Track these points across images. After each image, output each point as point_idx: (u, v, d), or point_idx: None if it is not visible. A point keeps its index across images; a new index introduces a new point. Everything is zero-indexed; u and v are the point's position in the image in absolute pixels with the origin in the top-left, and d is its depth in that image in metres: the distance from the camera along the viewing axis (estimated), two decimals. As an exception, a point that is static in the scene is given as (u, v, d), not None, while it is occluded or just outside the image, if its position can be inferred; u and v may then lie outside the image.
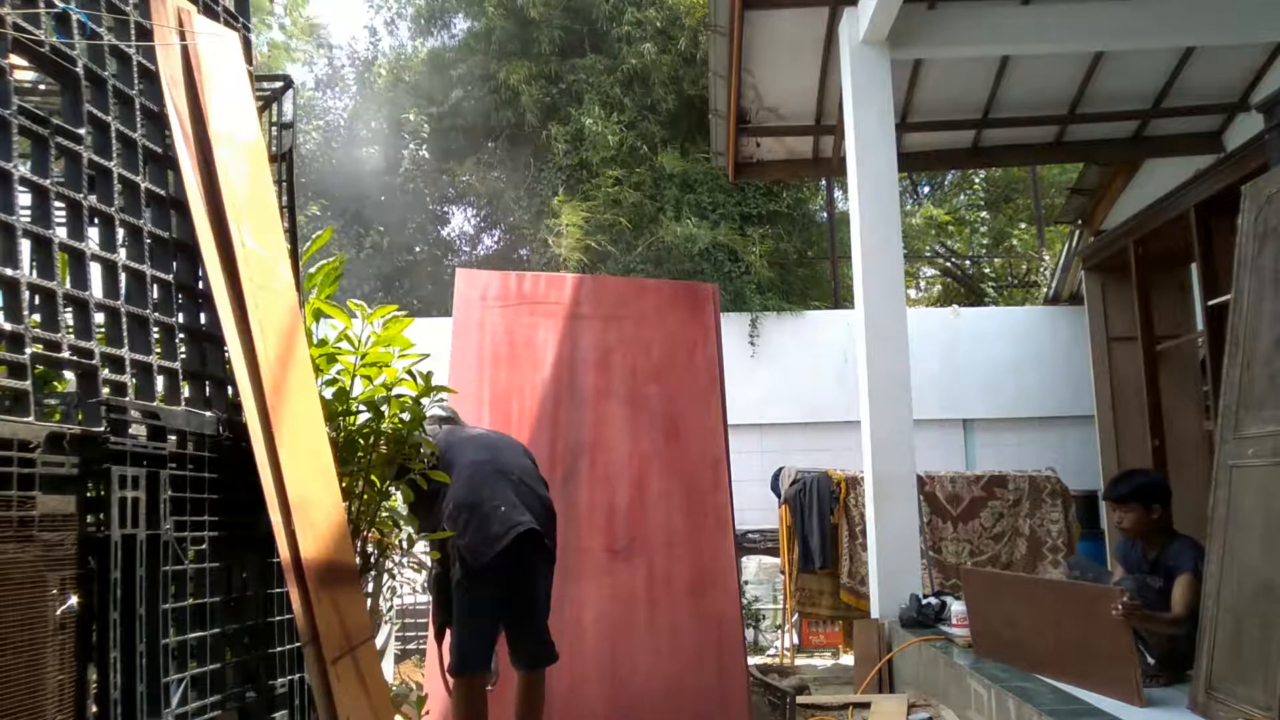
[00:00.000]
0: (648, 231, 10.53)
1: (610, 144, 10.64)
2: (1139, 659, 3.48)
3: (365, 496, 2.72)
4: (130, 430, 1.74)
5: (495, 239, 13.23)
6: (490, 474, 3.20)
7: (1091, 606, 3.65)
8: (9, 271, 1.57)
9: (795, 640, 6.83)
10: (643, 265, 10.49)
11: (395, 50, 13.54)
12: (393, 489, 2.82)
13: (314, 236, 2.68)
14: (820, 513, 6.40)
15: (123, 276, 1.86)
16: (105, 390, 1.73)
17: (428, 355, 3.09)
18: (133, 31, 1.99)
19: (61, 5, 1.77)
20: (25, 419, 1.53)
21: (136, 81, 2.01)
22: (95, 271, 1.81)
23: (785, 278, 10.70)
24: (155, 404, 1.89)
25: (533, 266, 11.23)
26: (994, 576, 4.47)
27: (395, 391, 2.69)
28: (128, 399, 1.79)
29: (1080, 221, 8.40)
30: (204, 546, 1.97)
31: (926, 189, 15.38)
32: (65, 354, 1.66)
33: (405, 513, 2.88)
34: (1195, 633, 3.31)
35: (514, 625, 3.26)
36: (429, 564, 3.36)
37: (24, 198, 1.66)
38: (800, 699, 4.46)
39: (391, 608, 5.53)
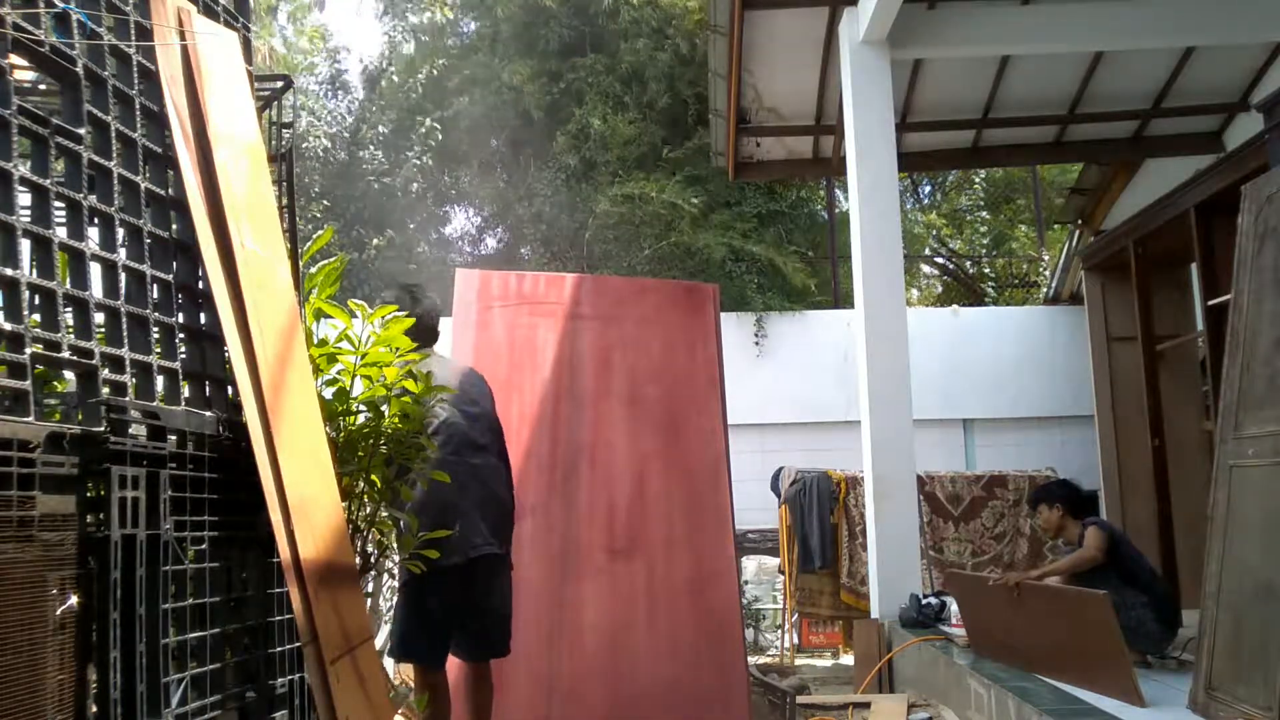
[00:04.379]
0: (654, 235, 10.53)
1: (634, 142, 10.63)
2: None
3: (365, 496, 2.71)
4: (130, 430, 1.74)
5: (497, 239, 13.23)
6: (457, 479, 3.05)
7: (1078, 609, 3.65)
8: (9, 271, 1.57)
9: (795, 640, 6.83)
10: (647, 266, 10.50)
11: (399, 53, 13.54)
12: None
13: (315, 237, 2.68)
14: (820, 513, 6.40)
15: (123, 276, 1.86)
16: (105, 390, 1.73)
17: (428, 355, 3.09)
18: (132, 31, 1.99)
19: (61, 5, 1.77)
20: (25, 419, 1.53)
21: (136, 81, 2.01)
22: (95, 271, 1.81)
23: (786, 278, 10.72)
24: (155, 404, 1.89)
25: (537, 267, 11.23)
26: (978, 580, 4.48)
27: (395, 391, 2.69)
28: (128, 399, 1.79)
29: (1080, 221, 8.40)
30: (204, 546, 1.97)
31: (928, 189, 15.39)
32: (65, 354, 1.66)
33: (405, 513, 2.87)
34: (1119, 573, 4.04)
35: (461, 627, 3.20)
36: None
37: (24, 198, 1.66)
38: (800, 699, 4.46)
39: (391, 607, 5.54)
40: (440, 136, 11.68)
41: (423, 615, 3.09)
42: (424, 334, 3.33)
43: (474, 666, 3.30)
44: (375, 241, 11.45)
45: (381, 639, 5.11)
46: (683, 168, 10.81)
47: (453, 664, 3.29)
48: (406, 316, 3.14)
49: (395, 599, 3.17)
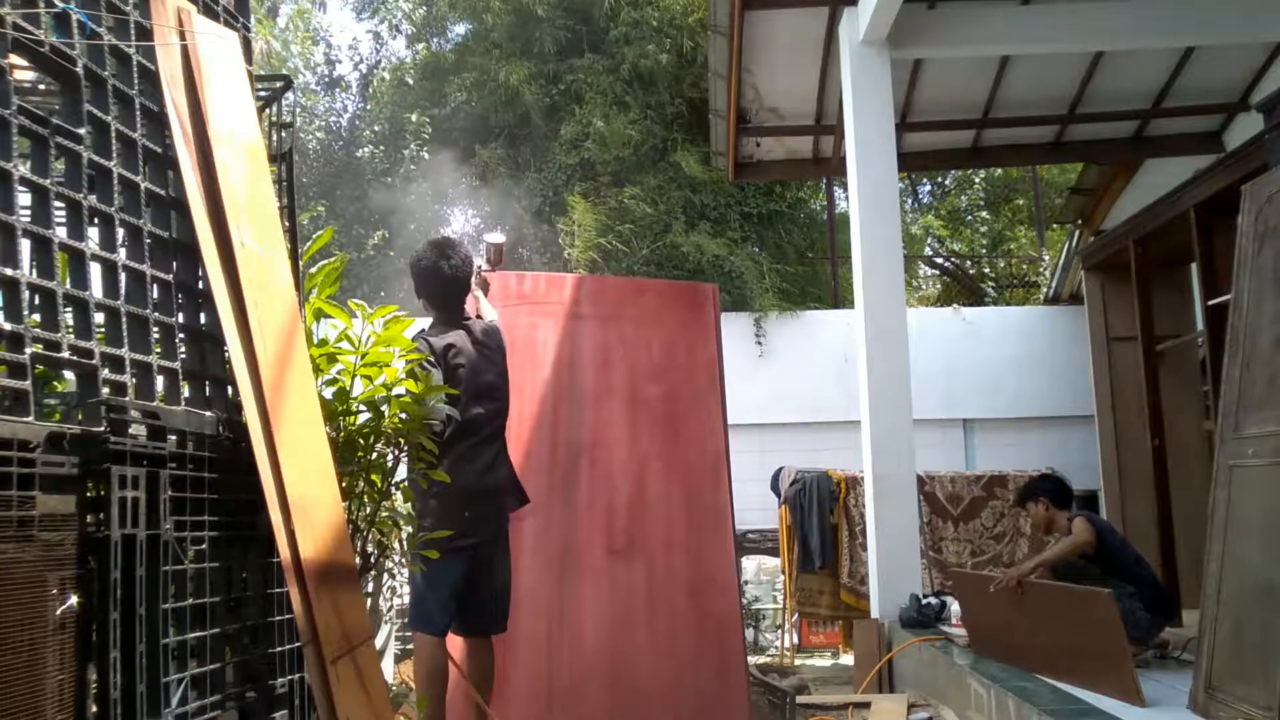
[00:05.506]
0: (653, 236, 10.51)
1: (629, 141, 10.60)
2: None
3: (365, 496, 2.72)
4: (130, 430, 1.74)
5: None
6: (479, 471, 3.33)
7: (1081, 609, 3.65)
8: (9, 271, 1.56)
9: (795, 640, 6.83)
10: (646, 267, 10.50)
11: (396, 54, 13.54)
12: (393, 489, 2.82)
13: (314, 236, 2.68)
14: (820, 513, 6.40)
15: (123, 276, 1.86)
16: (105, 390, 1.73)
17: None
18: (133, 31, 1.99)
19: (61, 5, 1.77)
20: (25, 419, 1.53)
21: (136, 81, 2.01)
22: (95, 271, 1.81)
23: (785, 278, 10.72)
24: (155, 404, 1.89)
25: (537, 267, 11.23)
26: (982, 579, 4.47)
27: (395, 391, 2.69)
28: (128, 399, 1.79)
29: (1080, 221, 8.40)
30: (204, 546, 1.96)
31: (927, 189, 15.38)
32: (65, 354, 1.66)
33: (405, 513, 2.88)
34: (1107, 560, 4.09)
35: (469, 598, 3.35)
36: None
37: (24, 198, 1.66)
38: (800, 699, 4.46)
39: (391, 608, 5.54)
40: (430, 132, 11.66)
41: (437, 589, 3.28)
42: (454, 291, 3.48)
43: (475, 640, 3.45)
44: (374, 240, 11.44)
45: (381, 640, 5.11)
46: (686, 160, 10.78)
47: (454, 651, 3.37)
48: (434, 275, 3.40)
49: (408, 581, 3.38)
